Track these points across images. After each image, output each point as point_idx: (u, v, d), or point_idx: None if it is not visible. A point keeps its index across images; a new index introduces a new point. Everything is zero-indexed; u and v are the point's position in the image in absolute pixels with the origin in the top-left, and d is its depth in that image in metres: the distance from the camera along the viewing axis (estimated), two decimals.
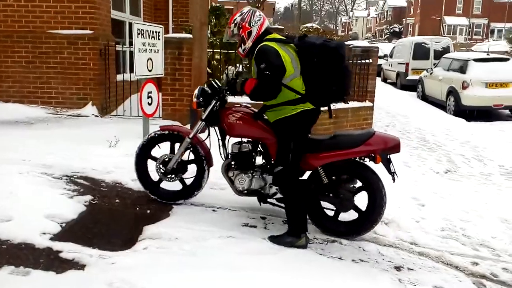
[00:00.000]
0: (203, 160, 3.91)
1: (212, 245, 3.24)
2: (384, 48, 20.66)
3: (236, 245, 3.28)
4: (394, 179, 3.57)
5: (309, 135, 3.59)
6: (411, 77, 15.59)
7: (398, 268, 3.33)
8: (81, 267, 2.78)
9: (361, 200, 3.70)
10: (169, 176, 3.92)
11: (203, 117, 3.75)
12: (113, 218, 3.65)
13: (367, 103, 8.15)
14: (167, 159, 3.90)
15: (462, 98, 10.91)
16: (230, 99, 4.31)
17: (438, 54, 15.32)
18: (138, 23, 5.22)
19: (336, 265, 3.22)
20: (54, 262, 2.79)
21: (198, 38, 6.14)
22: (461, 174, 6.53)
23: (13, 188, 3.74)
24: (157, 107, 5.92)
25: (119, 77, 8.12)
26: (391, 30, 59.57)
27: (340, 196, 3.64)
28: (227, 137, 3.78)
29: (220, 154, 3.83)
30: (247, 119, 3.63)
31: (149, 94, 5.64)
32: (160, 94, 6.17)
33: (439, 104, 12.31)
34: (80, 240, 3.12)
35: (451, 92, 11.37)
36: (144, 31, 5.34)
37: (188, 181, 4.04)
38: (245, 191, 3.74)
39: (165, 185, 4.06)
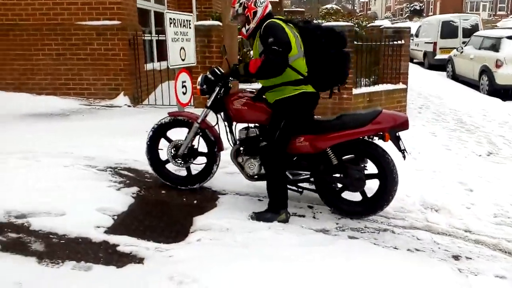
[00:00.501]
0: (214, 144, 3.90)
1: (264, 236, 3.19)
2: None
3: (288, 236, 3.22)
4: (404, 156, 3.55)
5: (315, 117, 3.62)
6: (439, 56, 15.18)
7: (456, 257, 3.22)
8: (140, 260, 2.77)
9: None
10: (176, 160, 3.91)
11: (208, 104, 3.74)
12: (162, 209, 3.63)
13: (401, 85, 7.94)
14: (179, 144, 3.90)
15: (496, 77, 10.56)
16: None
17: (467, 32, 14.86)
18: (170, 12, 5.15)
19: (392, 255, 3.14)
20: (113, 256, 2.79)
21: (228, 26, 6.03)
22: (504, 156, 6.31)
23: (60, 181, 3.76)
24: (191, 96, 5.88)
25: (148, 66, 8.10)
26: (412, 8, 58.05)
27: (350, 176, 3.60)
28: (234, 123, 3.76)
29: (228, 141, 3.82)
30: (252, 104, 3.61)
31: (184, 84, 5.61)
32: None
33: (471, 84, 11.96)
34: (134, 233, 3.11)
35: (484, 71, 11.02)
36: (176, 20, 5.27)
37: (195, 170, 4.06)
38: (256, 176, 3.72)
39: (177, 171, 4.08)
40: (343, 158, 3.65)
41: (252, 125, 3.72)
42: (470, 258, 3.23)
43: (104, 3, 7.38)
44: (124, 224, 3.24)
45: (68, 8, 7.48)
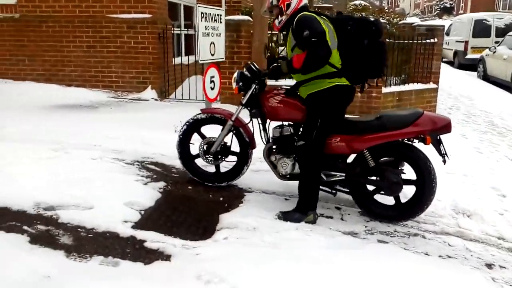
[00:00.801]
0: (247, 143, 3.86)
1: (292, 237, 3.14)
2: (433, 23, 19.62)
3: (316, 237, 3.17)
4: (444, 161, 3.40)
5: (347, 116, 3.52)
6: (470, 56, 14.76)
7: (489, 266, 3.12)
8: (167, 257, 2.76)
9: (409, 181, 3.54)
10: (207, 157, 3.89)
11: (244, 101, 3.68)
12: (188, 205, 3.62)
13: (431, 85, 7.75)
14: (213, 141, 3.88)
15: None
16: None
17: (500, 32, 14.39)
18: (202, 6, 5.12)
19: (423, 262, 3.05)
20: (141, 252, 2.79)
21: (259, 22, 5.99)
22: None
23: (88, 174, 3.79)
24: (219, 91, 5.85)
25: (176, 60, 8.12)
26: (442, 6, 56.72)
27: (388, 180, 3.48)
28: (268, 120, 3.70)
29: (261, 138, 3.76)
30: (287, 102, 3.53)
31: (212, 79, 5.57)
32: None
33: (503, 85, 11.60)
34: (161, 229, 3.11)
35: None
36: (207, 14, 5.24)
37: (224, 168, 4.04)
38: (288, 175, 3.65)
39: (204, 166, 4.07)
40: (380, 160, 3.55)
41: (286, 123, 3.65)
42: (504, 267, 3.12)
43: None
44: (151, 219, 3.24)
45: (100, 0, 7.55)
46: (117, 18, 7.51)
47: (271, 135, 3.71)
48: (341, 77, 3.33)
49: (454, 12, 51.64)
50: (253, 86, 3.61)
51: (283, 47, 7.96)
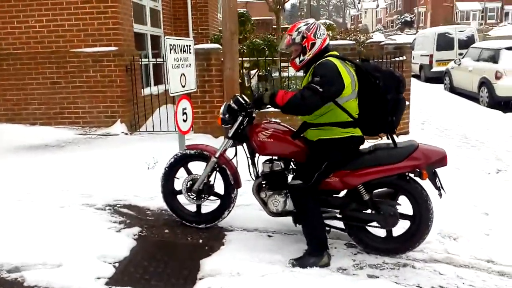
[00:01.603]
0: (230, 185, 3.69)
1: (280, 280, 2.96)
2: (400, 40, 20.14)
3: (305, 278, 3.00)
4: (440, 195, 3.30)
5: None
6: (435, 69, 15.16)
7: None
8: None
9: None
10: (190, 194, 3.70)
11: (230, 134, 3.53)
12: (166, 252, 3.40)
13: None
14: (191, 183, 3.71)
15: (496, 88, 10.49)
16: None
17: (463, 44, 14.86)
18: (170, 38, 4.98)
19: None
20: None
21: (229, 49, 5.89)
22: None
23: (58, 225, 3.55)
24: (192, 123, 5.69)
25: (146, 91, 7.94)
26: (403, 20, 58.64)
27: (384, 213, 3.35)
28: (257, 155, 3.54)
29: (250, 174, 3.59)
30: (278, 136, 3.40)
31: (184, 111, 5.41)
32: None
33: (470, 96, 11.87)
34: (138, 284, 2.89)
35: (484, 83, 10.95)
36: (176, 46, 5.10)
37: (206, 208, 3.86)
38: (279, 213, 3.49)
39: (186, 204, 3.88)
40: (374, 192, 3.42)
41: (275, 157, 3.49)
42: None
43: (100, 29, 7.24)
44: (127, 272, 3.02)
45: (63, 35, 7.33)
46: (82, 52, 7.30)
47: (260, 170, 3.54)
48: (356, 127, 3.21)
49: (415, 26, 53.43)
50: (240, 118, 3.47)
51: (254, 71, 7.91)
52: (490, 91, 10.66)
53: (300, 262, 3.18)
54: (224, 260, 3.21)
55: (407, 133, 7.48)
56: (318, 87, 2.98)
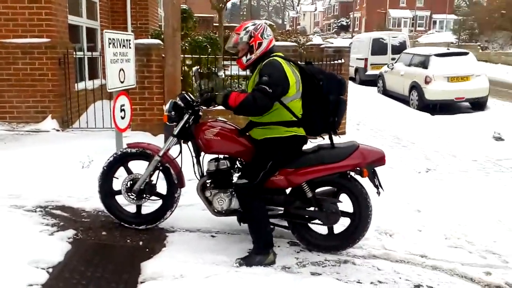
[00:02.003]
0: (173, 184, 3.61)
1: (225, 280, 2.92)
2: (337, 43, 20.84)
3: (251, 278, 2.98)
4: (379, 193, 3.48)
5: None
6: (370, 72, 15.81)
7: (418, 287, 3.17)
8: None
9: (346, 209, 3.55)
10: (130, 194, 3.58)
11: (175, 132, 3.46)
12: (104, 255, 3.24)
13: None
14: (131, 183, 3.58)
15: (425, 92, 11.11)
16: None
17: (395, 49, 15.62)
18: (109, 32, 4.76)
19: None
20: None
21: (171, 45, 5.74)
22: (441, 172, 6.53)
23: None
24: (130, 120, 5.48)
25: (80, 86, 7.55)
26: (339, 24, 60.79)
27: (326, 210, 3.47)
28: (202, 153, 3.51)
29: (195, 173, 3.54)
30: (225, 135, 3.39)
31: (122, 107, 5.20)
32: None
33: (401, 99, 12.48)
34: None
35: (414, 87, 11.56)
36: (116, 40, 4.89)
37: (147, 208, 3.74)
38: (224, 211, 3.48)
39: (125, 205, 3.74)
40: (316, 191, 3.50)
41: (221, 156, 3.46)
42: (431, 287, 3.19)
43: (32, 19, 6.75)
44: (61, 278, 2.83)
45: None
46: (10, 43, 6.78)
47: (205, 169, 3.48)
48: (300, 127, 3.28)
49: (350, 30, 55.52)
50: (186, 116, 3.40)
51: (195, 68, 7.77)
52: (420, 94, 11.28)
53: (247, 261, 3.19)
54: (166, 263, 3.12)
55: (343, 133, 7.70)
56: (267, 88, 3.02)
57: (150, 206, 3.79)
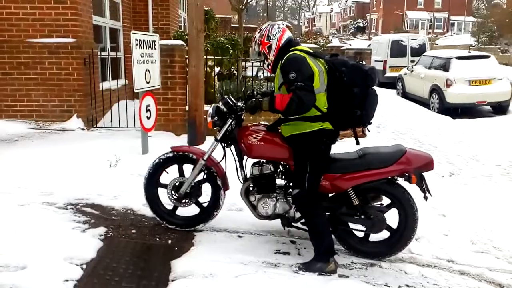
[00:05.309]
0: (219, 183, 3.63)
1: (254, 281, 2.95)
2: (355, 45, 20.71)
3: (279, 279, 3.01)
4: (426, 198, 3.41)
5: (332, 153, 3.39)
6: (389, 74, 15.67)
7: None
8: None
9: (392, 218, 3.50)
10: (183, 201, 3.62)
11: (218, 137, 3.48)
12: (135, 253, 3.31)
13: None
14: (177, 184, 3.59)
15: (446, 95, 10.99)
16: None
17: (415, 51, 15.48)
18: (136, 32, 4.85)
19: None
20: None
21: (195, 47, 5.80)
22: (464, 176, 6.47)
23: (18, 225, 3.35)
24: (155, 120, 5.58)
25: (104, 85, 7.66)
26: (355, 26, 60.38)
27: (372, 217, 3.42)
28: (245, 158, 3.51)
29: (238, 177, 3.55)
30: (268, 139, 3.37)
31: (148, 107, 5.30)
32: None
33: (421, 102, 12.37)
34: (109, 286, 2.78)
35: (435, 90, 11.44)
36: (142, 41, 4.98)
37: (204, 204, 3.75)
38: (269, 216, 3.47)
39: (181, 211, 3.76)
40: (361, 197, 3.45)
41: (264, 160, 3.45)
42: None
43: (58, 19, 6.88)
44: (96, 274, 2.90)
45: (16, 24, 6.92)
46: (37, 43, 6.92)
47: (249, 173, 3.49)
48: (325, 121, 3.20)
49: (367, 31, 55.15)
50: (229, 121, 3.42)
51: (218, 69, 7.84)
52: (441, 97, 11.17)
53: (307, 266, 3.18)
54: (196, 261, 3.16)
55: (363, 136, 7.66)
56: (302, 83, 2.99)
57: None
